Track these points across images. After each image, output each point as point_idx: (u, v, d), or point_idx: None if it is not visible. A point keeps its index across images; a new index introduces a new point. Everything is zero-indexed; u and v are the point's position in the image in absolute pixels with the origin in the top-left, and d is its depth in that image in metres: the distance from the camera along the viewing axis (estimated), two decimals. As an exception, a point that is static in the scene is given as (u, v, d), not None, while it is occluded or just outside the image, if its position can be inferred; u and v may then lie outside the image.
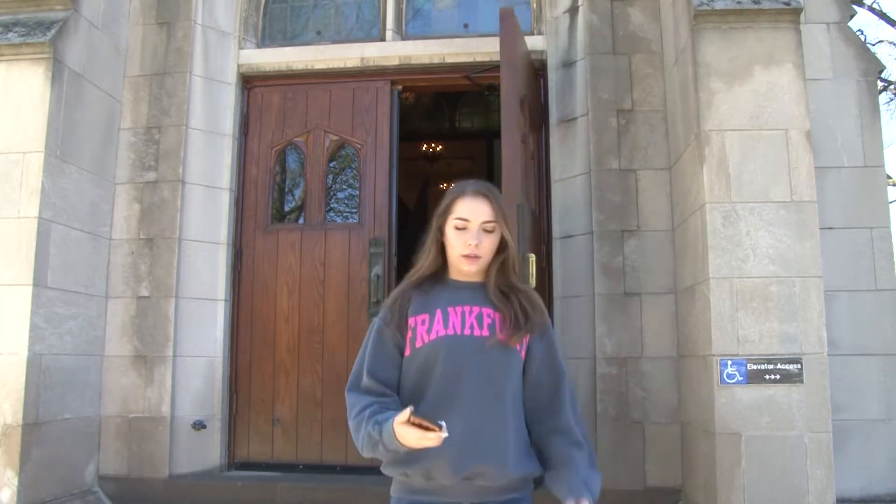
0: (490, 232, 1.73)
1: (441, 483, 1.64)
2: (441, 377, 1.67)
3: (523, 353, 1.75)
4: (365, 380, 1.72)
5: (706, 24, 3.39)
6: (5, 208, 3.55)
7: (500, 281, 1.77)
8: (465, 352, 1.68)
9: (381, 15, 4.63)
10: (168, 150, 4.22)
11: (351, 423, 1.69)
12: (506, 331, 1.70)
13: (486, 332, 1.70)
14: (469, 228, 1.72)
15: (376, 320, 1.79)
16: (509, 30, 3.69)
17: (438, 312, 1.72)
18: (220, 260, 4.30)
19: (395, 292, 1.82)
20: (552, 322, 4.00)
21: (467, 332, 1.70)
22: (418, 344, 1.71)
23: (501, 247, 1.77)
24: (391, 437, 1.53)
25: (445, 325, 1.70)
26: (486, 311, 1.74)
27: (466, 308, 1.73)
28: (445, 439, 1.48)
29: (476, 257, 1.72)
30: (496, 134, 4.26)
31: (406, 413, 1.49)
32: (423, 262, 1.79)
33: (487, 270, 1.78)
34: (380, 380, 1.71)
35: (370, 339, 1.77)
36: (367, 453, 1.64)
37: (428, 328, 1.71)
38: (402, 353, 1.74)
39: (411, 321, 1.73)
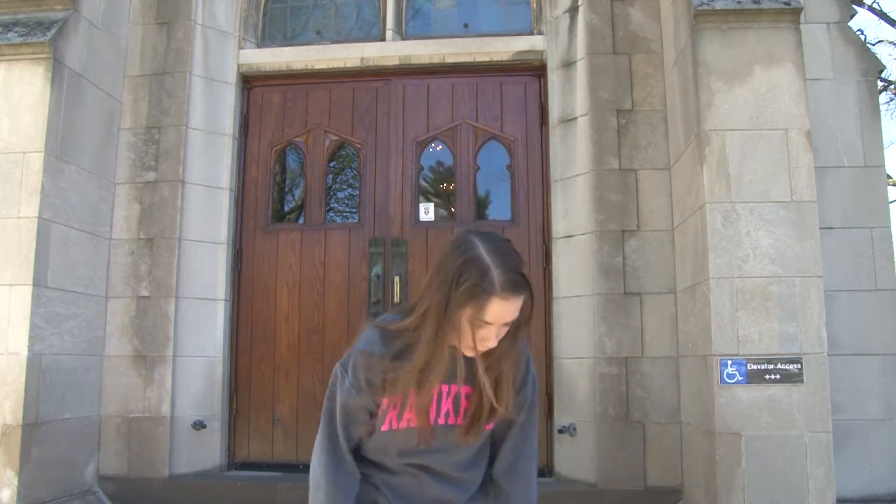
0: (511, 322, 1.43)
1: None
2: (402, 455, 1.58)
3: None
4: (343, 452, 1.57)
5: (706, 24, 3.39)
6: (5, 208, 3.55)
7: (498, 347, 1.47)
8: (434, 438, 1.54)
9: (381, 15, 4.62)
10: (168, 150, 4.22)
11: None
12: (465, 424, 1.52)
13: (460, 421, 1.53)
14: (491, 328, 1.41)
15: (343, 382, 1.52)
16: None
17: (412, 395, 1.47)
18: (220, 260, 4.30)
19: (364, 360, 1.49)
20: (550, 323, 4.05)
21: (441, 420, 1.52)
22: (384, 427, 1.53)
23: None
24: None
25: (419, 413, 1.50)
26: (465, 391, 1.52)
27: (444, 388, 1.50)
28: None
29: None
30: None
31: None
32: (412, 331, 1.46)
33: None
34: (352, 449, 1.60)
35: (338, 405, 1.54)
36: None
37: (399, 413, 1.50)
38: (372, 414, 1.55)
39: (384, 402, 1.51)
